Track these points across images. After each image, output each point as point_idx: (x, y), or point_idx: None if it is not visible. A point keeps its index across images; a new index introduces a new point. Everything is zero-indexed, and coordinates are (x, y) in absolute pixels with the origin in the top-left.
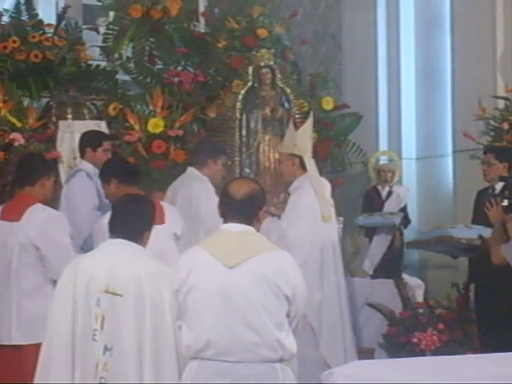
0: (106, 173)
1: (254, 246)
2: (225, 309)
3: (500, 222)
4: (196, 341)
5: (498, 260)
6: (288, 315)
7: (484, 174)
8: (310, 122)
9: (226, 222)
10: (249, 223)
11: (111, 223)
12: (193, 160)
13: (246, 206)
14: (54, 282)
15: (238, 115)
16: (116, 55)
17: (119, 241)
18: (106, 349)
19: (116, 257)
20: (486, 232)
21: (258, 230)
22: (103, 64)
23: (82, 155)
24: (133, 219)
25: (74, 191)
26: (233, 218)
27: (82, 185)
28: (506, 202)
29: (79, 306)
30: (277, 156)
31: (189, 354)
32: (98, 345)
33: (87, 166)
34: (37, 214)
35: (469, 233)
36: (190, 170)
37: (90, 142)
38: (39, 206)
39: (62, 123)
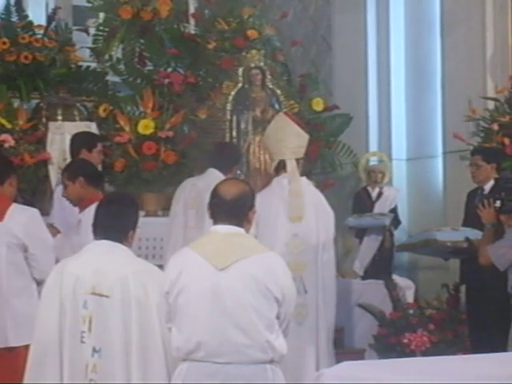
0: (74, 171)
1: (243, 248)
2: (215, 310)
3: (491, 224)
4: (186, 342)
5: (484, 261)
6: (278, 317)
7: (472, 176)
8: (272, 124)
9: (215, 223)
10: (239, 224)
11: (95, 225)
12: (216, 164)
13: (235, 207)
14: (37, 282)
15: (228, 116)
16: (106, 56)
17: (104, 242)
18: (94, 351)
19: (101, 258)
20: (473, 234)
21: (247, 231)
22: (93, 65)
23: (74, 156)
24: (116, 220)
25: None
26: (223, 219)
27: None
28: (498, 203)
29: (66, 309)
30: (267, 157)
31: (179, 355)
32: (86, 347)
33: None
34: (21, 213)
35: (454, 235)
36: (214, 171)
37: (84, 143)
38: (18, 205)
39: (52, 124)
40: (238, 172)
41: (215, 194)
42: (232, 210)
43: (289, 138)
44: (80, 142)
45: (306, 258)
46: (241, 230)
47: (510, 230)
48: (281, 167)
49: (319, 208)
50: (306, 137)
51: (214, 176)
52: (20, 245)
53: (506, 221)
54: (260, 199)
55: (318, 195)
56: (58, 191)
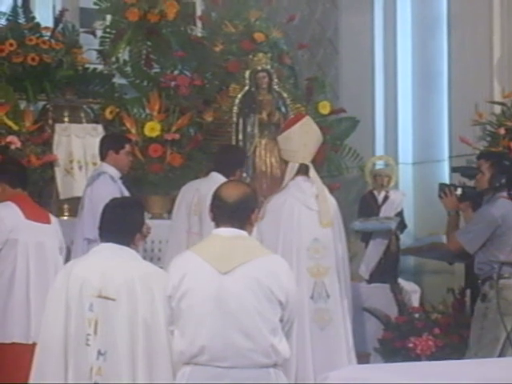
0: None
1: (247, 251)
2: (219, 314)
3: (454, 211)
4: (190, 346)
5: (453, 246)
6: (281, 320)
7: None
8: (297, 127)
9: (218, 226)
10: (241, 227)
11: (101, 228)
12: (219, 167)
13: (238, 210)
14: None
15: (234, 119)
16: (113, 59)
17: (111, 245)
18: (99, 353)
19: (108, 261)
20: None
21: (250, 233)
22: (100, 67)
23: (103, 158)
24: (122, 223)
25: (99, 194)
26: (225, 222)
27: (107, 187)
28: (459, 191)
29: (72, 311)
30: (273, 160)
31: (182, 359)
32: (91, 349)
33: (110, 168)
34: (56, 220)
35: None
36: (216, 175)
37: (112, 144)
38: None
39: (58, 126)
40: (244, 175)
41: (217, 196)
42: (235, 213)
43: (312, 143)
44: (107, 143)
45: (327, 262)
46: (244, 233)
47: (475, 215)
48: (297, 170)
49: (334, 215)
50: (321, 141)
51: (216, 180)
52: (61, 248)
53: (464, 208)
54: (278, 202)
55: (332, 199)
56: (89, 192)
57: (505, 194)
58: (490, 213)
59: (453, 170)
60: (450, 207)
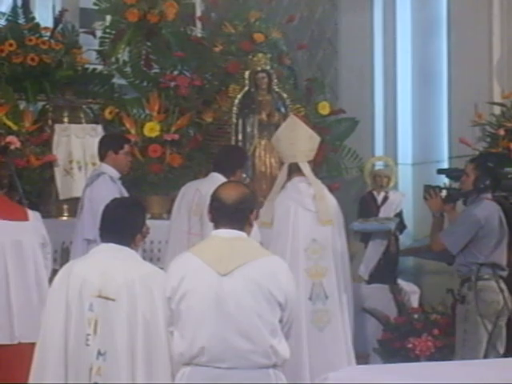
0: None
1: (246, 252)
2: (218, 316)
3: (439, 212)
4: (189, 348)
5: (437, 247)
6: (280, 320)
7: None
8: (283, 127)
9: (216, 227)
10: (240, 228)
11: (101, 228)
12: (219, 167)
13: (237, 211)
14: None
15: (234, 120)
16: (112, 59)
17: (111, 245)
18: (99, 353)
19: (109, 261)
20: None
21: (248, 234)
22: (100, 68)
23: (103, 158)
24: (123, 224)
25: (98, 195)
26: (224, 223)
27: (107, 188)
28: (444, 193)
29: (72, 311)
30: (273, 161)
31: (181, 360)
32: (91, 349)
33: (109, 169)
34: (37, 215)
35: None
36: (217, 176)
37: (111, 144)
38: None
39: (58, 127)
40: (244, 175)
41: (216, 197)
42: (234, 214)
43: (301, 141)
44: (106, 143)
45: (326, 263)
46: (243, 234)
47: (458, 216)
48: (293, 170)
49: (335, 212)
50: (317, 139)
51: (217, 181)
52: (43, 244)
53: (449, 210)
54: (276, 204)
55: (332, 199)
56: (88, 192)
57: (489, 195)
58: (473, 214)
59: (438, 171)
60: (435, 209)
